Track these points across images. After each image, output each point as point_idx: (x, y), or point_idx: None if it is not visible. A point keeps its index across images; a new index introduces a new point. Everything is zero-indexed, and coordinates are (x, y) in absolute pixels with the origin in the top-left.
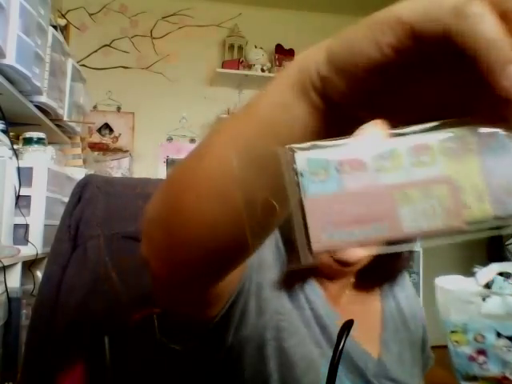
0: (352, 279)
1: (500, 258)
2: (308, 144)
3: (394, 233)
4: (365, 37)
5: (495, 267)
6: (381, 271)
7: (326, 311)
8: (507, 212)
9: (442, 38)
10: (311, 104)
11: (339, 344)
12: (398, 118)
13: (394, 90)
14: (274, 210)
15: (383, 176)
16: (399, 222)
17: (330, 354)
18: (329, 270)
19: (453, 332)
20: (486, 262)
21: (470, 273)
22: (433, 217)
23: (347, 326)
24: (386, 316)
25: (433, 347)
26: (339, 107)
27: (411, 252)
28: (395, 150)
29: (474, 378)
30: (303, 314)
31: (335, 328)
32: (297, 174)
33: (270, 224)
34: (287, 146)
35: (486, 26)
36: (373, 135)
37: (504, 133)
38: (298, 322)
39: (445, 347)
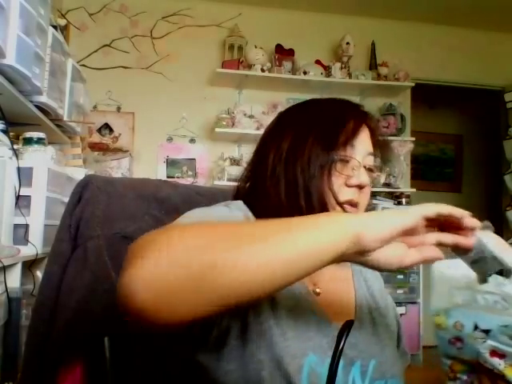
0: None
1: None
2: None
3: None
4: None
5: None
6: None
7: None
8: None
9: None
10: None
11: (339, 344)
12: None
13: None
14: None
15: None
16: None
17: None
18: None
19: (437, 315)
20: None
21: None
22: None
23: (347, 326)
24: (360, 296)
25: (430, 347)
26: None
27: None
28: None
29: (453, 357)
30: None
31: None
32: None
33: None
34: None
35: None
36: None
37: None
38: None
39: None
